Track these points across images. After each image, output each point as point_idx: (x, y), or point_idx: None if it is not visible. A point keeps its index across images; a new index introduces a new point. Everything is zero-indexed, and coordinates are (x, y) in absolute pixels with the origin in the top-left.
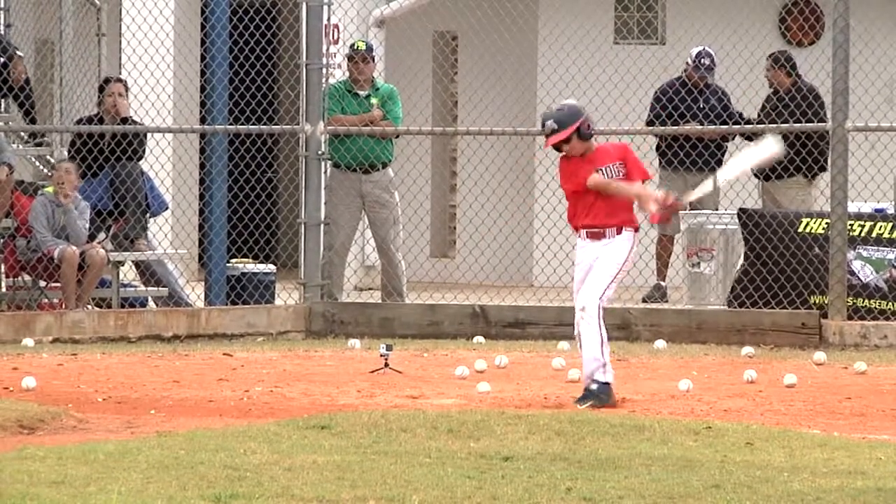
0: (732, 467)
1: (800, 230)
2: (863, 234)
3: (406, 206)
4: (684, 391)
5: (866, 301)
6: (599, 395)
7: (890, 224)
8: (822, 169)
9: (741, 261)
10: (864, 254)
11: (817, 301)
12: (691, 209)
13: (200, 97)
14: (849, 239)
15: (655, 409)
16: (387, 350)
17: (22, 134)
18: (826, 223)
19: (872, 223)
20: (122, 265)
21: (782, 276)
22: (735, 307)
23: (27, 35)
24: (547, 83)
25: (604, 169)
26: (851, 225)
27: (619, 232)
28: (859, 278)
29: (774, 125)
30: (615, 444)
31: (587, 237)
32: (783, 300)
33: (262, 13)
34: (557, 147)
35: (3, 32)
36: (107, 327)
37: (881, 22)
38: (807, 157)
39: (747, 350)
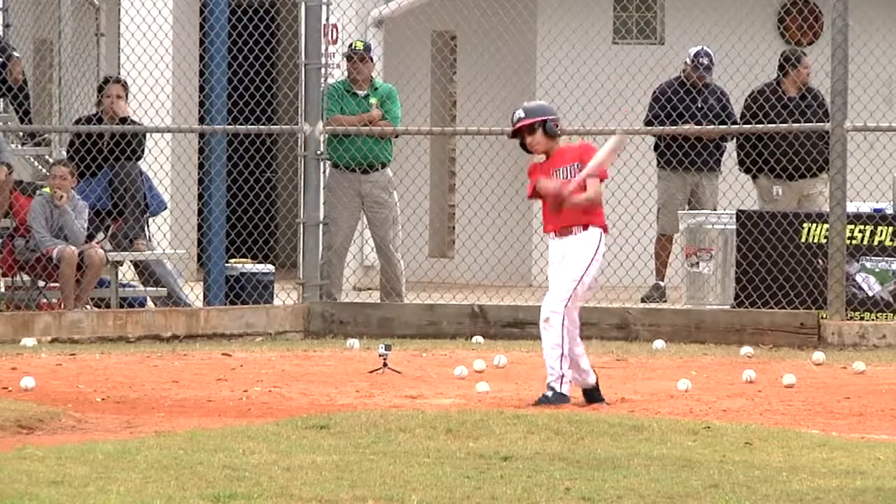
0: (731, 467)
1: (803, 239)
2: (865, 242)
3: (405, 206)
4: (683, 391)
5: (874, 315)
6: (552, 402)
7: (890, 228)
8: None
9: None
10: (868, 265)
11: (823, 315)
12: (691, 209)
13: (199, 97)
14: (852, 249)
15: (654, 408)
16: (386, 350)
17: (20, 134)
18: (828, 228)
19: (873, 227)
20: (121, 265)
21: (785, 282)
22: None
23: (26, 35)
24: (546, 83)
25: (560, 170)
26: (852, 230)
27: (585, 228)
28: (865, 292)
29: (773, 125)
30: (614, 444)
31: (555, 235)
32: (787, 307)
33: (261, 13)
34: (522, 141)
35: (1, 33)
36: (106, 327)
37: (880, 22)
38: (818, 156)
39: (746, 350)
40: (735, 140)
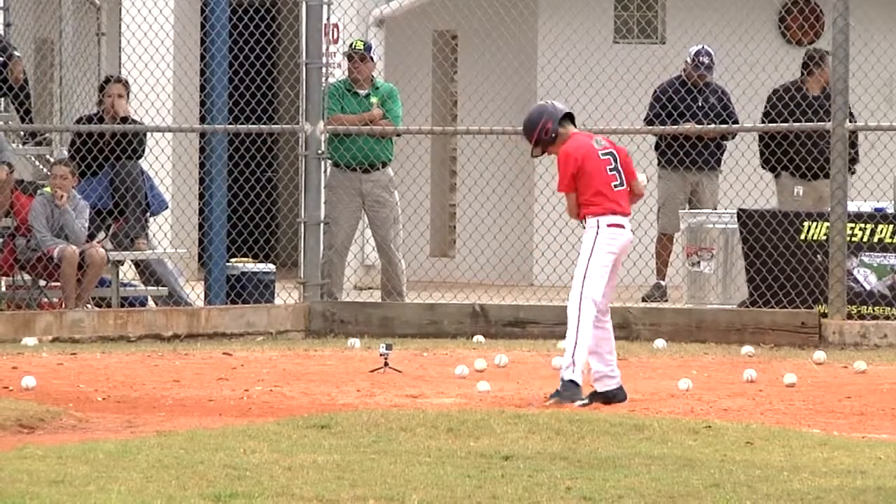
0: (732, 466)
1: (802, 237)
2: (864, 240)
3: (406, 206)
4: (684, 390)
5: (870, 308)
6: (562, 394)
7: (891, 227)
8: (854, 161)
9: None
10: (867, 260)
11: (822, 310)
12: (691, 208)
13: (200, 96)
14: (852, 246)
15: (655, 408)
16: (386, 349)
17: (21, 133)
18: (828, 227)
19: (873, 226)
20: (122, 264)
21: (786, 281)
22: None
23: (27, 34)
24: (547, 82)
25: None
26: (852, 228)
27: (584, 221)
28: (862, 286)
29: (774, 125)
30: (615, 444)
31: None
32: (787, 306)
33: (262, 13)
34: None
35: (2, 32)
36: (106, 326)
37: (881, 22)
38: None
39: (747, 349)
40: (758, 139)
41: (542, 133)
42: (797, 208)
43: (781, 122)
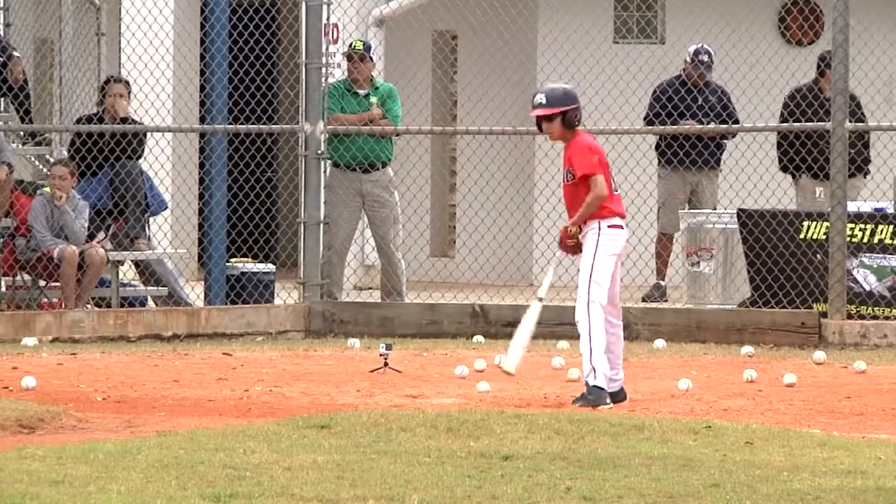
0: (732, 466)
1: (803, 236)
2: (864, 240)
3: (406, 206)
4: (684, 390)
5: (870, 309)
6: (587, 398)
7: (891, 227)
8: (867, 161)
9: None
10: (867, 262)
11: (821, 308)
12: (691, 208)
13: (200, 97)
14: (851, 247)
15: (655, 408)
16: (386, 349)
17: (21, 133)
18: (828, 226)
19: (873, 226)
20: (122, 264)
21: (785, 281)
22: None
23: (27, 34)
24: (547, 82)
25: (565, 171)
26: (852, 229)
27: (587, 224)
28: (862, 287)
29: (773, 125)
30: (615, 444)
31: None
32: (787, 306)
33: (262, 13)
34: (539, 123)
35: (2, 32)
36: (106, 327)
37: (881, 22)
38: (856, 156)
39: (747, 349)
40: (776, 140)
41: (573, 115)
42: (819, 209)
43: (797, 122)
